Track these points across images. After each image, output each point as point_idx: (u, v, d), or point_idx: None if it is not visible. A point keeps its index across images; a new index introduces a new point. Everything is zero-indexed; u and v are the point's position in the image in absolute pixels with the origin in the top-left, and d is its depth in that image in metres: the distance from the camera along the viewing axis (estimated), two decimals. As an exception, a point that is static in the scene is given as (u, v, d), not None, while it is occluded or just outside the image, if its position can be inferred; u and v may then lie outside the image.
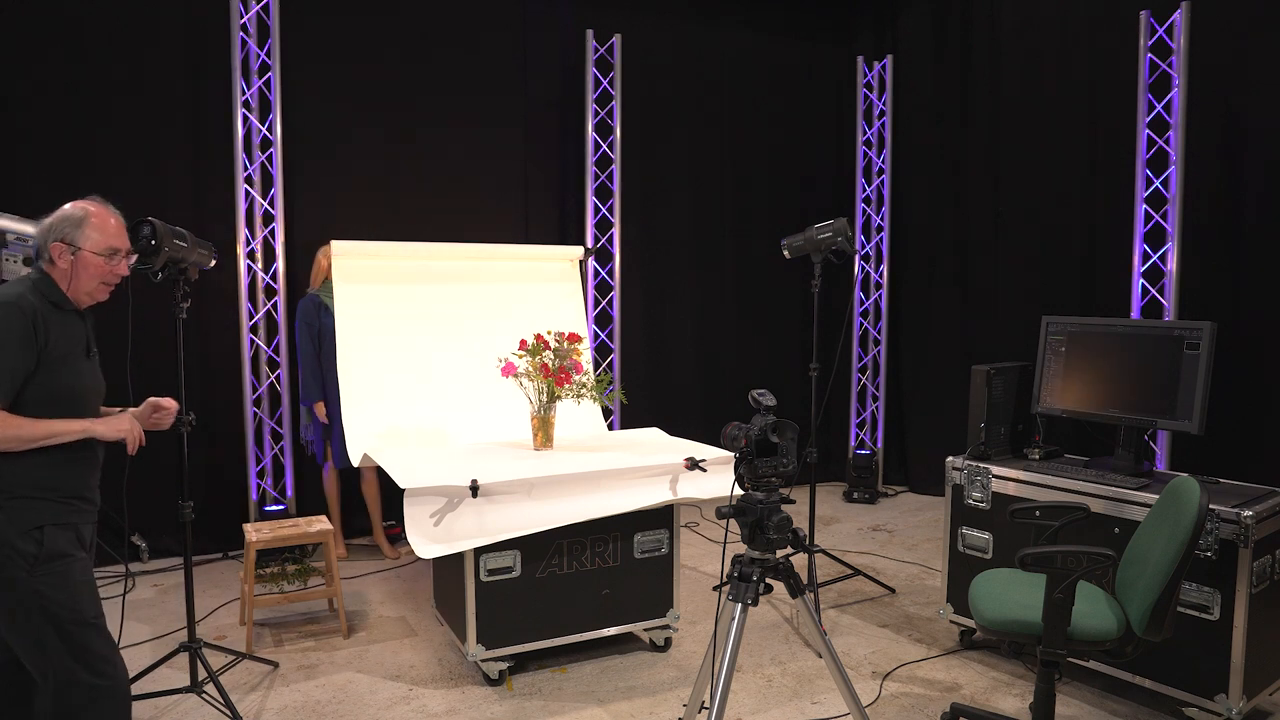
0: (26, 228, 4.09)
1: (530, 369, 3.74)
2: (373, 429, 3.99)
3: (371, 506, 4.96)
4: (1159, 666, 3.08)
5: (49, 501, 2.21)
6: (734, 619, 2.47)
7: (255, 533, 3.85)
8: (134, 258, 2.43)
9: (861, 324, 6.49)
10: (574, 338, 3.84)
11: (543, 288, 4.65)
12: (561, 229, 5.83)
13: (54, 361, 2.21)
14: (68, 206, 2.31)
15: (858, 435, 6.53)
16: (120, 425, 2.31)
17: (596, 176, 5.81)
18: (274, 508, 4.94)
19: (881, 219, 6.39)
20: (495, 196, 5.60)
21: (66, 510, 2.25)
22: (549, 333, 3.83)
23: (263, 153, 4.91)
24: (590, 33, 5.68)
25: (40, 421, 2.17)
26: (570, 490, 3.33)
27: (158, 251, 2.95)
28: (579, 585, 3.52)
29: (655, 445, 3.89)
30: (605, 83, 5.77)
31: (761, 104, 6.42)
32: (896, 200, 6.36)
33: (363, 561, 4.88)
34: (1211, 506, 2.93)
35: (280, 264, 4.94)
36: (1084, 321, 3.67)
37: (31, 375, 2.18)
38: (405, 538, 3.26)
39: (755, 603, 2.52)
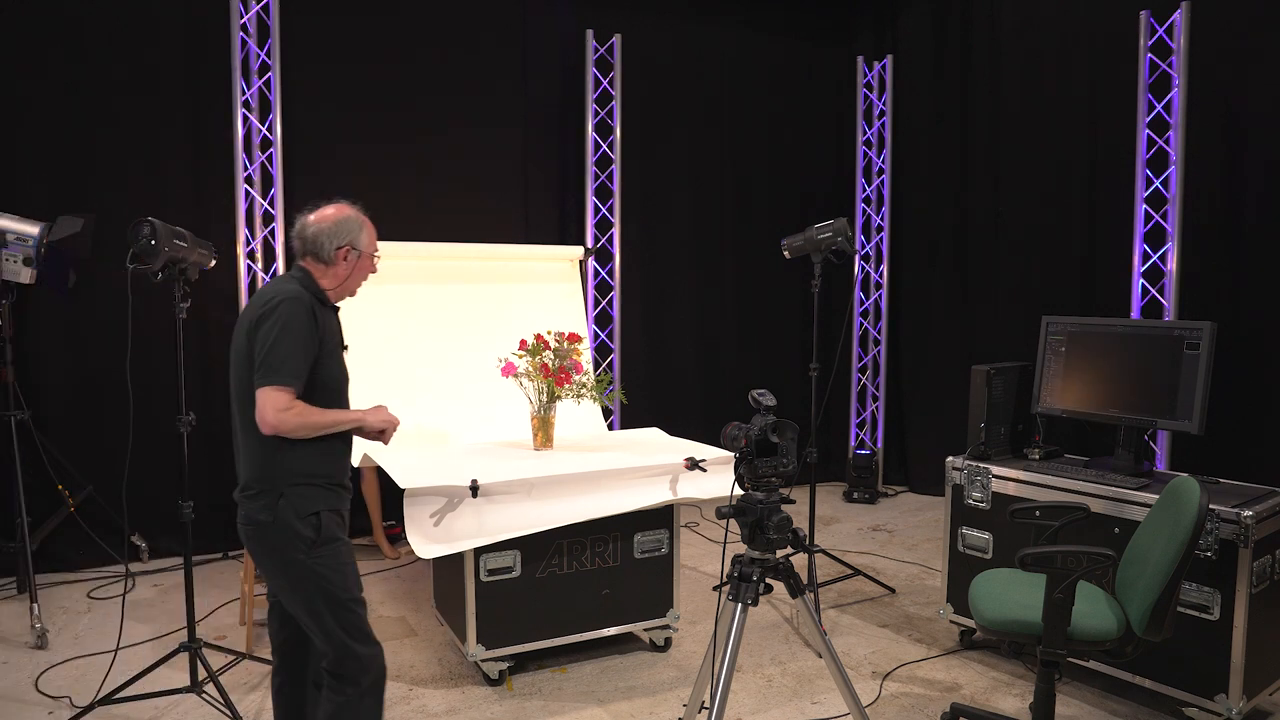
0: (27, 228, 4.09)
1: (530, 369, 3.74)
2: (373, 429, 3.99)
3: (371, 506, 4.96)
4: (1159, 666, 3.08)
5: (322, 488, 2.35)
6: (734, 619, 2.47)
7: (255, 533, 3.84)
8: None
9: (861, 324, 6.49)
10: (574, 338, 3.84)
11: (543, 288, 4.65)
12: (561, 229, 5.83)
13: (325, 354, 2.35)
14: (344, 211, 2.45)
15: (858, 435, 6.53)
16: (384, 415, 2.46)
17: (596, 176, 5.81)
18: (274, 508, 4.93)
19: (881, 219, 6.39)
20: (495, 196, 5.60)
21: (334, 496, 2.39)
22: (549, 333, 3.84)
23: (263, 153, 4.91)
24: (590, 33, 5.68)
25: (325, 411, 2.31)
26: (570, 490, 3.33)
27: (158, 251, 2.94)
28: (579, 585, 3.51)
29: (655, 445, 3.89)
30: (605, 83, 5.77)
31: (761, 104, 6.42)
32: (896, 200, 6.36)
33: (363, 561, 4.88)
34: (1211, 506, 2.93)
35: (280, 264, 4.94)
36: (1084, 321, 3.67)
37: (311, 365, 2.31)
38: (405, 538, 3.25)
39: (755, 603, 2.52)
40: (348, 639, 2.33)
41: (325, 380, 2.34)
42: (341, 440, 2.42)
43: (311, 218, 2.43)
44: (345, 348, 2.52)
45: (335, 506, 2.39)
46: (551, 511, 3.30)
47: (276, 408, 2.21)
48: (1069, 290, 5.18)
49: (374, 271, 2.53)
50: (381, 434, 2.48)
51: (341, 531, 2.40)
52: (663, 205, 6.15)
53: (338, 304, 2.50)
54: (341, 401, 2.43)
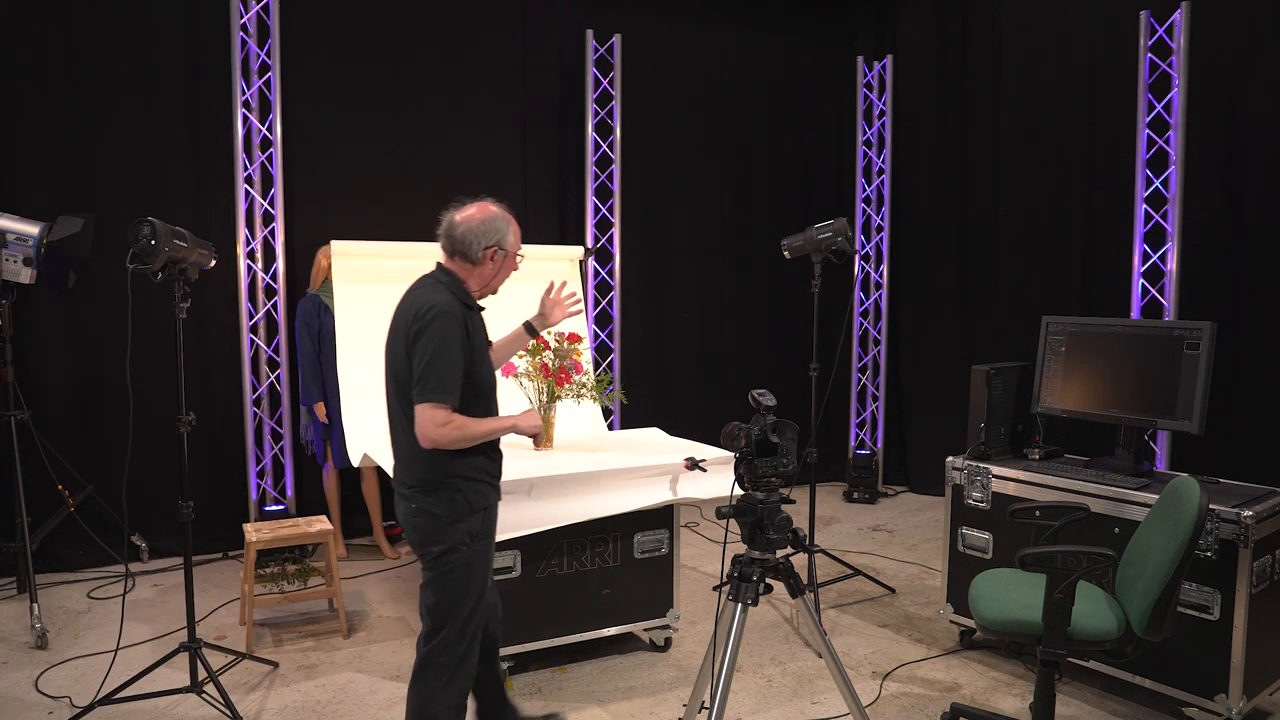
0: (27, 228, 4.09)
1: (530, 369, 3.74)
2: (373, 429, 3.99)
3: (371, 506, 4.96)
4: (1159, 666, 3.08)
5: (490, 485, 2.49)
6: (734, 619, 2.47)
7: (255, 533, 3.85)
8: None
9: (861, 324, 6.49)
10: (574, 338, 3.84)
11: (543, 288, 4.64)
12: (561, 229, 5.83)
13: (476, 359, 2.43)
14: (490, 211, 2.53)
15: (858, 435, 6.53)
16: (534, 420, 2.54)
17: (596, 176, 5.81)
18: (274, 508, 4.94)
19: (881, 219, 6.39)
20: (495, 196, 5.53)
21: (495, 493, 2.53)
22: (549, 333, 3.83)
23: (263, 153, 4.91)
24: (590, 33, 5.68)
25: (481, 421, 2.41)
26: (570, 490, 3.32)
27: (158, 251, 2.94)
28: (579, 585, 3.51)
29: (655, 445, 3.89)
30: (605, 83, 5.77)
31: (761, 104, 6.42)
32: (896, 200, 6.36)
33: (363, 561, 4.88)
34: (1211, 506, 2.93)
35: (280, 264, 4.94)
36: (1084, 321, 3.67)
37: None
38: (405, 538, 3.25)
39: (755, 603, 2.52)
40: (460, 633, 2.44)
41: (477, 385, 2.43)
42: (498, 441, 2.54)
43: (459, 217, 2.49)
44: (489, 344, 2.61)
45: (495, 503, 2.54)
46: (551, 511, 3.30)
47: (435, 423, 2.30)
48: (1069, 290, 5.18)
49: (516, 270, 2.60)
50: (534, 438, 2.58)
51: (492, 531, 2.55)
52: (663, 205, 6.15)
53: (481, 302, 2.58)
54: (492, 402, 2.53)
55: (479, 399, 2.44)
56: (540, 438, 2.64)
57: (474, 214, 2.49)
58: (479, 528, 2.46)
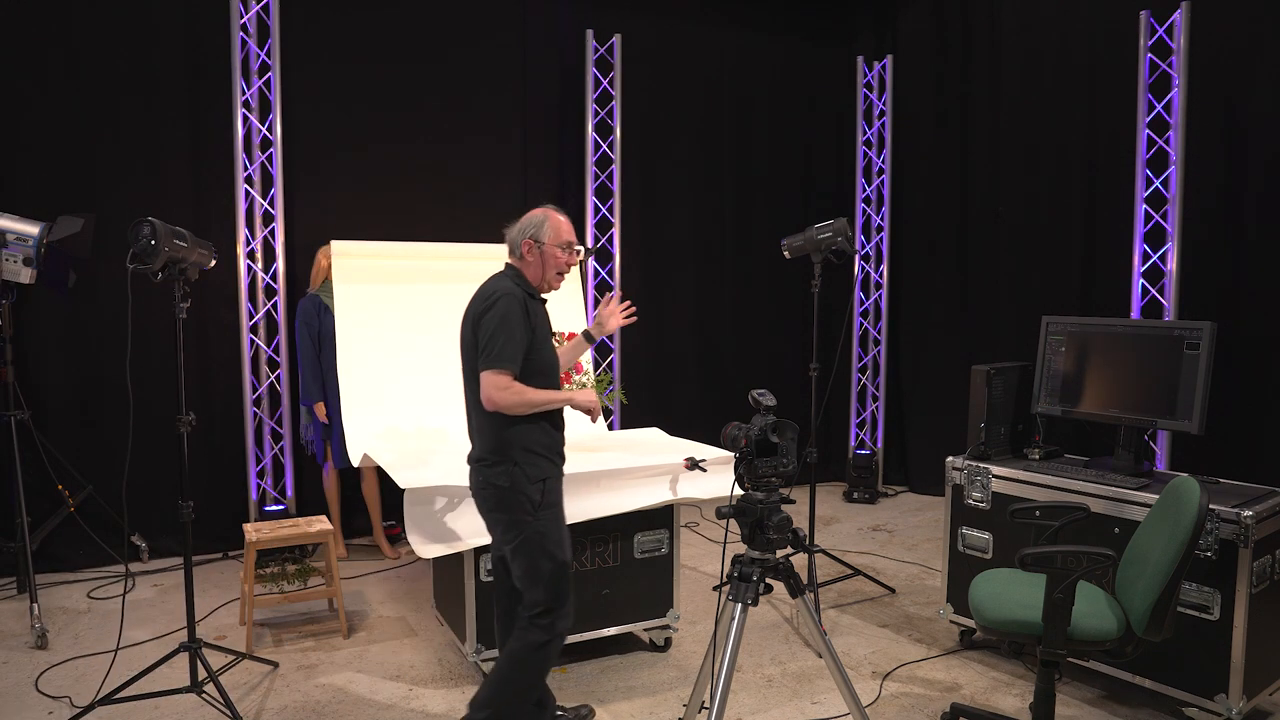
0: (27, 228, 4.09)
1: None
2: (373, 429, 3.99)
3: (371, 506, 4.96)
4: (1159, 666, 3.08)
5: (546, 458, 2.67)
6: (734, 619, 2.47)
7: (255, 533, 3.85)
8: (582, 253, 2.88)
9: (861, 324, 6.49)
10: (574, 338, 3.83)
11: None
12: (561, 229, 5.82)
13: (538, 341, 2.67)
14: (533, 212, 2.80)
15: (858, 435, 6.53)
16: (590, 397, 2.76)
17: (596, 176, 5.81)
18: (274, 508, 4.94)
19: (881, 219, 6.39)
20: (495, 196, 5.59)
21: (555, 466, 2.72)
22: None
23: (263, 153, 4.91)
24: (590, 33, 5.68)
25: (539, 390, 2.62)
26: (570, 490, 3.31)
27: (158, 251, 2.94)
28: (579, 585, 3.50)
29: (655, 445, 3.89)
30: (605, 83, 5.76)
31: (761, 104, 6.42)
32: (896, 200, 6.36)
33: (363, 561, 4.88)
34: (1211, 506, 2.93)
35: (280, 264, 4.94)
36: (1084, 321, 3.67)
37: (526, 351, 2.62)
38: (405, 538, 3.25)
39: (755, 603, 2.52)
40: (552, 593, 2.65)
41: (540, 365, 2.66)
42: (558, 417, 2.73)
43: (524, 219, 2.80)
44: (554, 335, 2.86)
45: (556, 474, 2.71)
46: (551, 511, 3.29)
47: (497, 387, 2.54)
48: (1069, 290, 5.18)
49: (567, 266, 2.80)
50: (589, 413, 2.77)
51: (560, 500, 2.73)
52: (663, 205, 6.15)
53: (545, 296, 2.82)
54: (555, 383, 2.74)
55: (543, 378, 2.67)
56: (595, 414, 2.79)
57: (523, 217, 2.79)
58: (540, 497, 2.64)
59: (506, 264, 2.80)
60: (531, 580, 2.66)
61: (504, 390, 2.55)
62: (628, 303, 3.18)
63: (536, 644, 2.66)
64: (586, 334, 3.10)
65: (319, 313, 4.65)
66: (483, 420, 2.65)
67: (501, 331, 2.57)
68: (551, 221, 2.76)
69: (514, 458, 2.62)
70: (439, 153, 5.40)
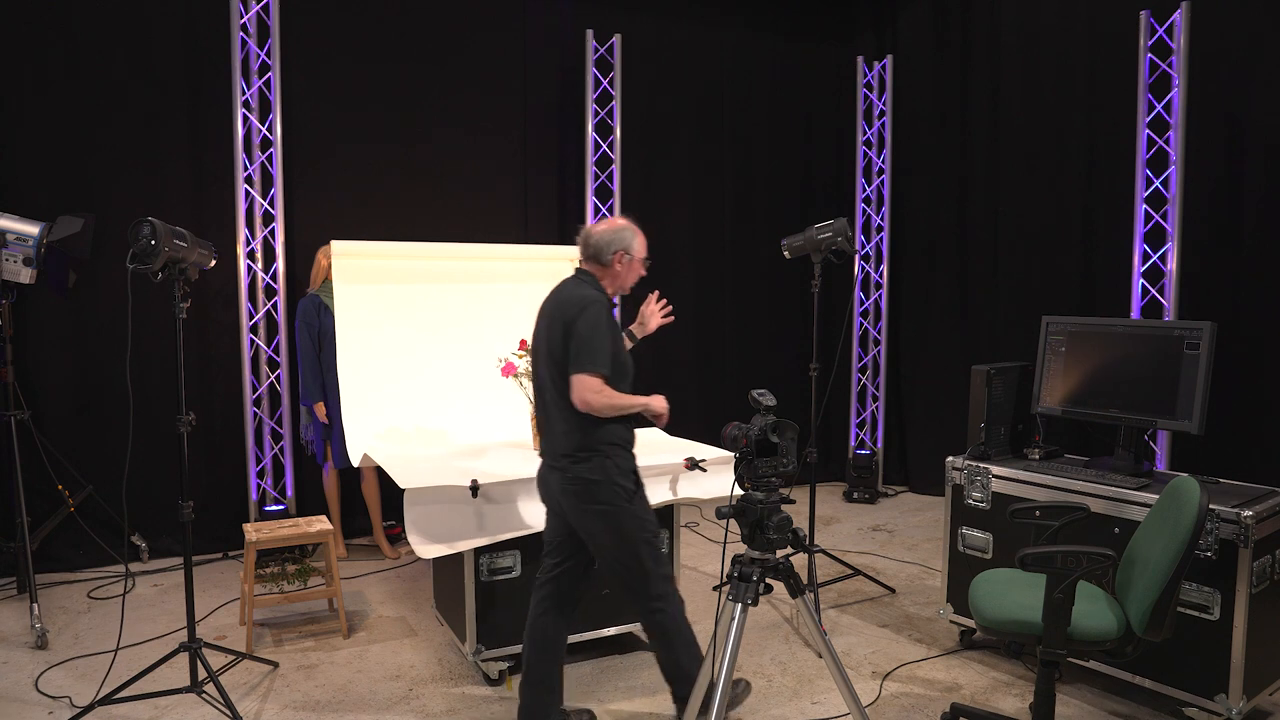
0: (27, 228, 4.09)
1: (530, 369, 3.74)
2: (373, 429, 3.99)
3: (371, 506, 4.96)
4: (1159, 666, 3.08)
5: (628, 450, 2.86)
6: (734, 619, 2.47)
7: (255, 533, 3.85)
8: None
9: (861, 324, 6.49)
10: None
11: (543, 288, 4.62)
12: (561, 229, 5.83)
13: (617, 344, 2.82)
14: (619, 223, 2.93)
15: (858, 435, 6.53)
16: (663, 404, 2.90)
17: (596, 176, 5.81)
18: (274, 508, 4.94)
19: (881, 219, 6.39)
20: (495, 196, 5.60)
21: (634, 458, 2.89)
22: (549, 333, 3.83)
23: (263, 153, 4.91)
24: (590, 33, 5.68)
25: (624, 395, 2.79)
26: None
27: (158, 251, 2.94)
28: (579, 585, 3.51)
29: (655, 445, 3.89)
30: (605, 83, 5.76)
31: (761, 104, 6.42)
32: (896, 200, 6.36)
33: (363, 561, 4.88)
34: (1211, 506, 2.92)
35: (280, 264, 4.94)
36: (1084, 321, 3.67)
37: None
38: (405, 538, 3.25)
39: (755, 603, 2.52)
40: (655, 567, 2.83)
41: (620, 367, 2.82)
42: (635, 416, 2.89)
43: (594, 227, 2.93)
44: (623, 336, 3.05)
45: (637, 465, 2.90)
46: (551, 511, 3.29)
47: (592, 390, 2.68)
48: (1069, 290, 5.18)
49: (644, 274, 2.98)
50: (658, 419, 2.90)
51: (642, 486, 2.89)
52: (663, 205, 6.15)
53: (615, 300, 3.01)
54: (630, 383, 2.89)
55: (622, 379, 2.82)
56: (664, 419, 2.91)
57: (607, 225, 2.92)
58: (631, 486, 2.82)
59: (580, 269, 2.93)
60: (632, 566, 2.82)
61: (598, 393, 2.68)
62: (664, 301, 3.26)
63: (664, 624, 2.86)
64: (630, 333, 3.17)
65: (319, 312, 4.65)
66: (571, 418, 2.77)
67: (596, 337, 2.71)
68: (640, 237, 2.95)
69: (605, 452, 2.77)
70: (439, 153, 5.40)
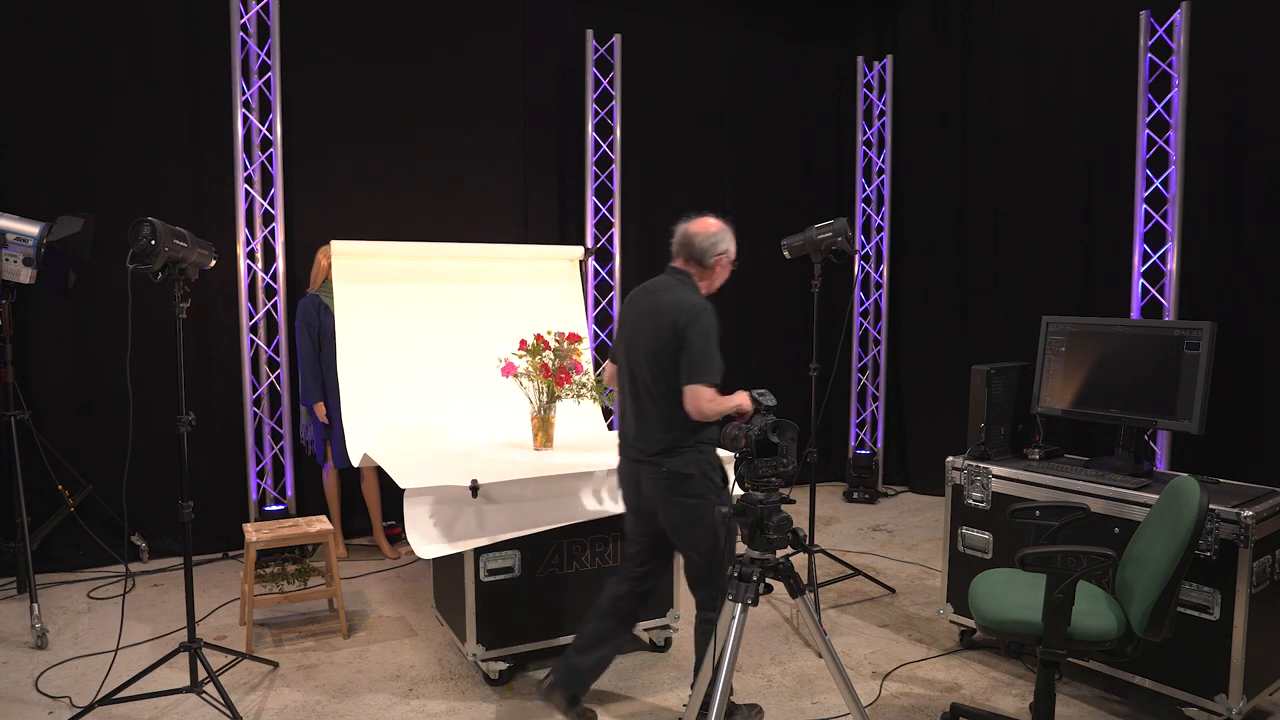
0: (27, 228, 4.09)
1: (530, 369, 3.74)
2: (373, 429, 3.99)
3: (371, 506, 4.96)
4: (1159, 666, 3.08)
5: (715, 447, 2.92)
6: (734, 619, 2.47)
7: (255, 533, 3.85)
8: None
9: (861, 324, 6.49)
10: (574, 338, 3.84)
11: (543, 288, 4.65)
12: (561, 229, 5.83)
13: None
14: (717, 225, 3.10)
15: (858, 435, 6.53)
16: (746, 399, 2.87)
17: (596, 176, 5.81)
18: (274, 508, 4.94)
19: (881, 219, 6.39)
20: (495, 196, 5.60)
21: (719, 455, 2.97)
22: (549, 333, 3.84)
23: (263, 153, 4.91)
24: (590, 33, 5.68)
25: (727, 398, 2.84)
26: (570, 490, 3.33)
27: (158, 251, 2.94)
28: (579, 585, 3.51)
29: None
30: (605, 83, 5.76)
31: (761, 104, 6.42)
32: (896, 200, 6.36)
33: (363, 561, 4.88)
34: (1211, 506, 2.93)
35: (280, 264, 4.94)
36: (1084, 321, 3.67)
37: None
38: (405, 538, 3.26)
39: (755, 603, 2.52)
40: (724, 561, 2.88)
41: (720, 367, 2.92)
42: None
43: (696, 230, 3.06)
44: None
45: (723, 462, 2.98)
46: (551, 511, 3.30)
47: (708, 399, 2.78)
48: (1069, 290, 5.18)
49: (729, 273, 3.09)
50: (742, 416, 2.89)
51: (729, 481, 2.94)
52: (663, 205, 6.14)
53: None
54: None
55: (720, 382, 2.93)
56: (747, 415, 2.91)
57: (708, 227, 3.05)
58: (720, 481, 2.92)
59: (676, 268, 3.02)
60: (711, 556, 2.88)
61: (711, 402, 2.77)
62: None
63: (711, 623, 2.87)
64: None
65: (319, 312, 4.65)
66: (670, 417, 2.85)
67: (710, 347, 2.81)
68: (734, 238, 3.07)
69: (698, 448, 2.88)
70: (439, 153, 5.40)
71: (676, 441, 2.86)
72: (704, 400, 2.78)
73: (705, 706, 2.54)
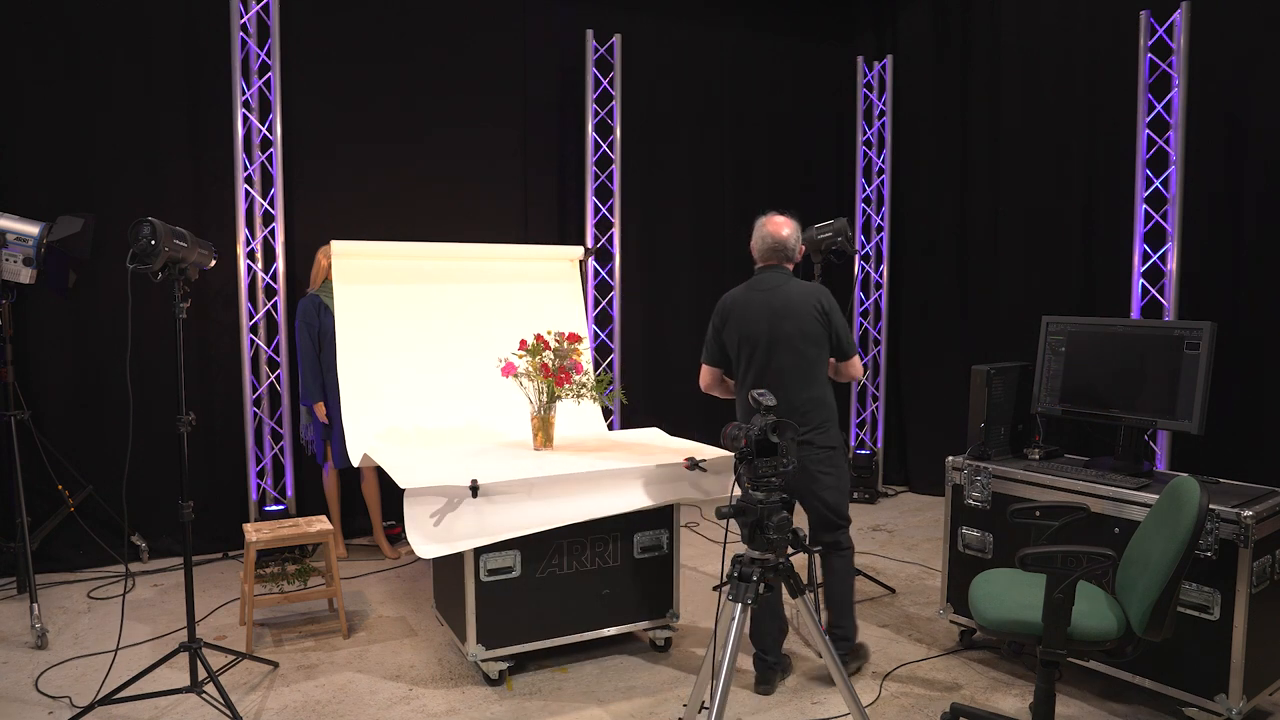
0: (27, 228, 4.09)
1: (530, 369, 3.74)
2: (373, 429, 3.99)
3: (371, 506, 4.96)
4: (1159, 666, 3.08)
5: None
6: (734, 619, 2.47)
7: (255, 533, 3.85)
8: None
9: (861, 324, 6.49)
10: (574, 338, 3.84)
11: (543, 288, 4.65)
12: (561, 229, 5.83)
13: None
14: (789, 221, 3.50)
15: (858, 435, 6.53)
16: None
17: (596, 176, 5.81)
18: (274, 508, 4.94)
19: (881, 219, 6.39)
20: (495, 196, 5.59)
21: None
22: (549, 333, 3.83)
23: (263, 153, 4.91)
24: (590, 33, 5.68)
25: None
26: (570, 490, 3.33)
27: (158, 251, 2.94)
28: (579, 585, 3.52)
29: (655, 445, 3.89)
30: (605, 83, 5.76)
31: (761, 104, 6.42)
32: (896, 200, 6.36)
33: (363, 561, 4.88)
34: (1211, 506, 2.93)
35: (280, 264, 4.94)
36: (1084, 321, 3.67)
37: None
38: (405, 538, 3.26)
39: (755, 602, 2.52)
40: (847, 517, 3.39)
41: None
42: None
43: (783, 231, 3.46)
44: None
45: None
46: (551, 511, 3.30)
47: (859, 367, 3.39)
48: (1069, 290, 5.18)
49: None
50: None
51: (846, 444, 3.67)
52: (663, 205, 6.15)
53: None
54: None
55: None
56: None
57: (789, 225, 3.46)
58: (844, 449, 3.41)
59: (773, 265, 3.43)
60: (841, 510, 3.35)
61: (864, 369, 3.27)
62: None
63: (850, 559, 3.41)
64: None
65: (319, 312, 4.65)
66: (817, 395, 3.27)
67: (848, 326, 3.34)
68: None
69: (835, 420, 3.35)
70: (439, 153, 5.40)
71: (828, 417, 3.30)
72: (857, 368, 3.37)
73: (705, 707, 2.54)
